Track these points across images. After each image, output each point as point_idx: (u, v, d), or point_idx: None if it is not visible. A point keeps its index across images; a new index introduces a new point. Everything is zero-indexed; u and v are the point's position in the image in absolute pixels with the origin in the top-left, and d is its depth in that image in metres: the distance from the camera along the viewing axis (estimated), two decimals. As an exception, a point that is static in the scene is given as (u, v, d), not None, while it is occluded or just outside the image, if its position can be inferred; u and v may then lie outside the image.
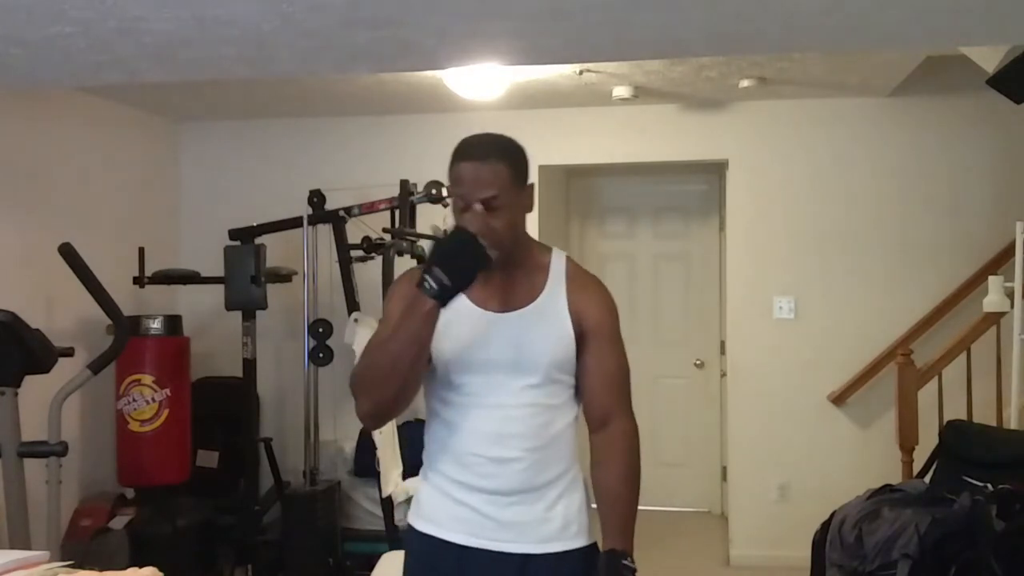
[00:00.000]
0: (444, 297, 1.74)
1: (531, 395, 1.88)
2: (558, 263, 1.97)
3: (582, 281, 1.97)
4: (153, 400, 4.42)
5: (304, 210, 4.60)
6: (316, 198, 4.65)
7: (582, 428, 1.98)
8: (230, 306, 4.56)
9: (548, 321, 1.90)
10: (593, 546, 1.94)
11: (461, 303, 1.87)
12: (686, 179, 6.15)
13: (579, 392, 1.95)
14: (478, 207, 1.81)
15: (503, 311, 1.91)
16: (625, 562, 1.86)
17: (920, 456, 4.12)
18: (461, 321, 1.89)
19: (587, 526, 1.95)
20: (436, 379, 1.94)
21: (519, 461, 1.87)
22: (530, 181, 1.92)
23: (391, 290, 2.04)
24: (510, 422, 1.87)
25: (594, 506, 1.96)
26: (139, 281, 4.62)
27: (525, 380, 1.87)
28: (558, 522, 1.90)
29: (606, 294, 1.98)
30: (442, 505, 1.93)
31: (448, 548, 1.91)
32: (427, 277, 1.73)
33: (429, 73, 4.23)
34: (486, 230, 1.79)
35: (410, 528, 2.00)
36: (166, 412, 4.44)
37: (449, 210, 4.76)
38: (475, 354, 1.88)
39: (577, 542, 1.92)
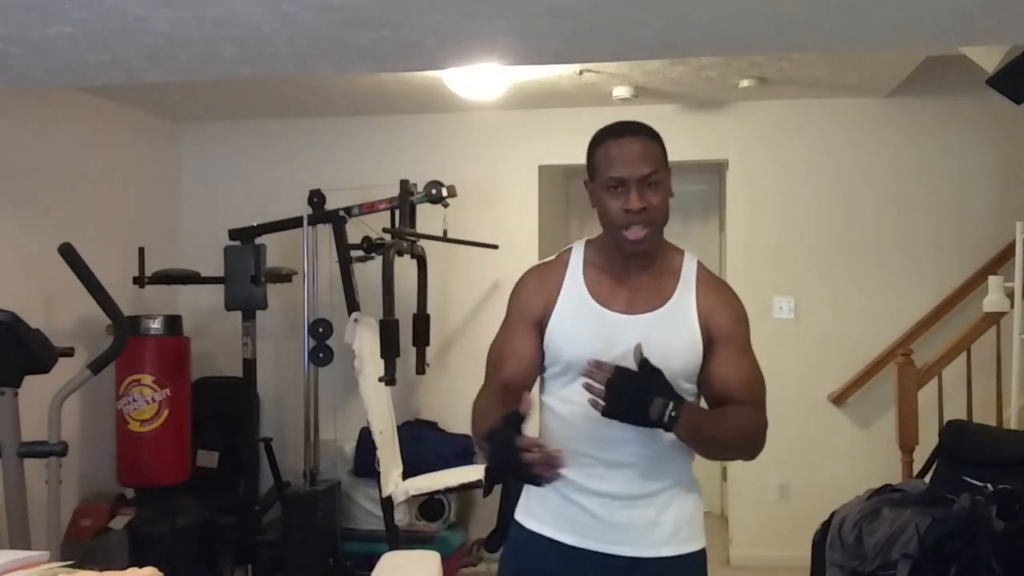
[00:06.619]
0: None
1: None
2: (689, 267, 1.92)
3: (713, 287, 1.91)
4: (153, 400, 4.42)
5: (304, 210, 4.61)
6: (316, 198, 4.65)
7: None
8: (230, 306, 4.56)
9: (677, 327, 1.84)
10: (704, 551, 1.92)
11: (585, 302, 1.86)
12: (686, 179, 6.13)
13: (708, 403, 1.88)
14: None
15: (631, 313, 1.85)
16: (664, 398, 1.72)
17: (920, 456, 4.11)
18: (585, 321, 1.85)
19: (699, 530, 1.92)
20: (554, 375, 1.90)
21: (633, 467, 1.83)
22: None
23: (516, 288, 2.00)
24: (627, 427, 1.79)
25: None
26: (139, 281, 4.62)
27: None
28: (669, 527, 1.86)
29: (737, 301, 1.93)
30: (553, 504, 1.90)
31: (557, 547, 1.88)
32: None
33: (429, 73, 4.23)
34: (648, 207, 1.79)
35: (516, 524, 1.96)
36: (166, 412, 4.44)
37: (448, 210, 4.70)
38: (598, 356, 1.80)
39: (688, 547, 1.88)
